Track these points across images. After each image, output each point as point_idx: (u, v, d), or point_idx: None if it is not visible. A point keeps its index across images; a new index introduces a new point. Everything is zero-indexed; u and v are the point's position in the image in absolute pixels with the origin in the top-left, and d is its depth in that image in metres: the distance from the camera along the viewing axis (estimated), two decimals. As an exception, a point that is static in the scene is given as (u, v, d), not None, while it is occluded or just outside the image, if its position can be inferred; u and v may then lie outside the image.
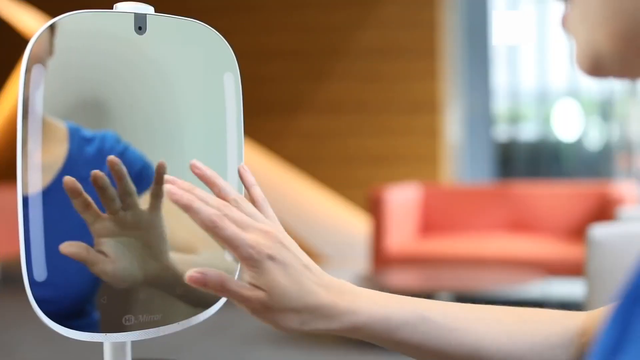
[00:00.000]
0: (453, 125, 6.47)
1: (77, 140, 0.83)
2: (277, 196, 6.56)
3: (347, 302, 0.77)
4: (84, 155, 0.83)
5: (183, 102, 0.89)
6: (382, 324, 0.78)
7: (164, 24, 0.87)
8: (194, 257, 0.90)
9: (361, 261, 5.86)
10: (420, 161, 6.30)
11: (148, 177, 0.86)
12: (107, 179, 0.83)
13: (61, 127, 0.82)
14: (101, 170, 0.84)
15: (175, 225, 0.86)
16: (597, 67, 0.47)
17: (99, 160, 0.84)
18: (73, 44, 0.82)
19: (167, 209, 0.86)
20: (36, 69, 0.79)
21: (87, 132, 0.83)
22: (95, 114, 0.84)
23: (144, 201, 0.86)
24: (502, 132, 7.75)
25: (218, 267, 0.92)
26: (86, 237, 0.83)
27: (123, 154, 0.85)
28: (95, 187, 0.82)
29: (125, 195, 0.83)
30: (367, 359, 3.91)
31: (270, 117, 6.49)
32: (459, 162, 6.57)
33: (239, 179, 0.92)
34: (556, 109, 7.82)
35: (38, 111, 0.80)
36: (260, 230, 0.76)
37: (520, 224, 5.23)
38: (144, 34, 0.85)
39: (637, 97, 7.62)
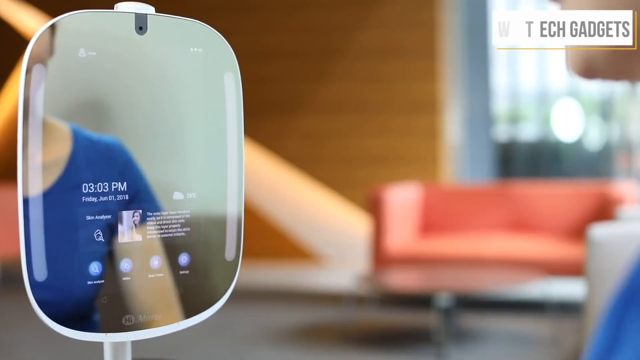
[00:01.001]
0: (453, 125, 6.47)
1: (81, 141, 0.83)
2: (277, 196, 6.56)
3: None
4: (87, 158, 0.83)
5: (183, 102, 0.89)
6: None
7: (164, 24, 0.87)
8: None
9: (361, 261, 5.86)
10: (420, 161, 6.30)
11: (141, 204, 0.86)
12: None
13: (63, 128, 0.82)
14: (102, 177, 0.84)
15: (140, 286, 0.87)
16: (590, 70, 0.47)
17: (102, 166, 0.84)
18: (74, 44, 0.82)
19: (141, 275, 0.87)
20: (37, 69, 0.79)
21: (92, 134, 0.84)
22: (96, 113, 0.84)
23: (136, 234, 0.86)
24: (502, 132, 7.75)
25: (220, 268, 0.92)
26: (86, 238, 0.83)
27: (125, 167, 0.85)
28: None
29: None
30: (367, 359, 3.91)
31: (270, 117, 6.49)
32: (459, 162, 6.57)
33: (239, 178, 0.92)
34: (556, 109, 7.82)
35: (39, 111, 0.80)
36: None
37: (520, 224, 5.23)
38: (145, 34, 0.85)
39: (637, 97, 7.63)
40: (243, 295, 5.10)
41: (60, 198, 0.81)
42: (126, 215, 0.85)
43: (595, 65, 0.46)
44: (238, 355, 4.00)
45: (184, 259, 0.89)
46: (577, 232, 4.94)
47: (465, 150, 6.70)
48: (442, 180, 6.26)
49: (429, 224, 5.37)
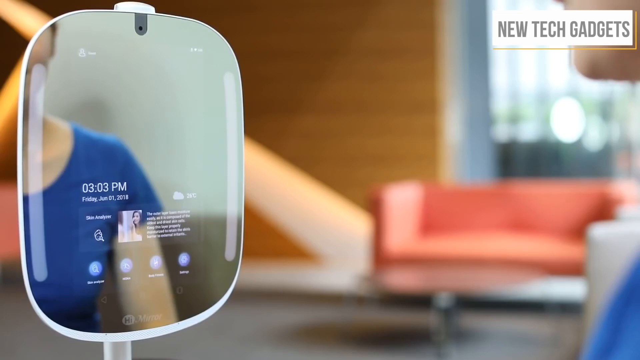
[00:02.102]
0: (453, 125, 6.47)
1: (82, 140, 0.83)
2: (277, 196, 6.56)
3: None
4: (88, 157, 0.83)
5: (184, 102, 0.89)
6: None
7: (164, 24, 0.87)
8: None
9: (361, 261, 5.86)
10: (420, 161, 6.30)
11: (141, 204, 0.86)
12: None
13: (64, 127, 0.82)
14: (103, 176, 0.84)
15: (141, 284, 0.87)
16: (594, 70, 0.47)
17: (102, 165, 0.84)
18: (74, 44, 0.82)
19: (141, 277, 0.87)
20: (37, 69, 0.79)
21: (93, 133, 0.84)
22: (96, 113, 0.84)
23: (136, 234, 0.86)
24: (502, 132, 7.75)
25: (220, 268, 0.92)
26: (87, 237, 0.83)
27: (125, 167, 0.85)
28: None
29: None
30: (367, 359, 3.91)
31: (270, 117, 6.49)
32: (459, 162, 6.57)
33: (239, 178, 0.92)
34: (556, 109, 7.82)
35: (39, 111, 0.80)
36: None
37: (520, 224, 5.23)
38: (145, 34, 0.85)
39: (637, 97, 7.63)
40: (243, 295, 5.10)
41: (60, 197, 0.81)
42: (126, 215, 0.85)
43: (600, 65, 0.46)
44: (238, 355, 4.00)
45: (184, 259, 0.89)
46: (577, 232, 4.95)
47: (465, 150, 6.70)
48: (442, 180, 6.26)
49: (429, 224, 5.37)
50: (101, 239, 0.84)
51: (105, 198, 0.84)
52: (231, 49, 0.91)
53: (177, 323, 0.88)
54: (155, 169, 0.87)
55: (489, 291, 3.93)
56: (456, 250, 4.81)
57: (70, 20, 0.81)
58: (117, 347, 0.86)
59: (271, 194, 6.53)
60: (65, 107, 0.82)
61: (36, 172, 0.80)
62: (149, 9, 0.86)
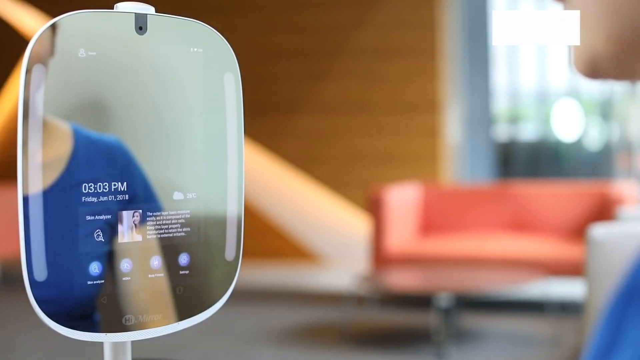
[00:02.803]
0: (453, 125, 6.47)
1: (82, 141, 0.83)
2: (277, 196, 6.56)
3: None
4: (88, 157, 0.83)
5: (183, 102, 0.89)
6: None
7: (164, 24, 0.87)
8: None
9: (361, 261, 5.86)
10: (420, 161, 6.30)
11: (141, 204, 0.86)
12: None
13: (64, 127, 0.82)
14: (103, 177, 0.84)
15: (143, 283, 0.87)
16: (594, 70, 0.47)
17: (102, 165, 0.84)
18: (74, 44, 0.82)
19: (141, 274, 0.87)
20: (37, 69, 0.79)
21: (93, 134, 0.84)
22: (96, 113, 0.84)
23: (136, 234, 0.86)
24: (502, 132, 7.75)
25: (220, 268, 0.92)
26: (87, 237, 0.83)
27: (125, 167, 0.85)
28: None
29: None
30: (367, 359, 3.91)
31: (270, 117, 6.49)
32: (459, 162, 6.57)
33: (239, 178, 0.92)
34: (556, 109, 7.82)
35: (39, 111, 0.80)
36: None
37: (520, 224, 5.23)
38: (145, 34, 0.85)
39: (637, 97, 7.63)
40: (243, 295, 5.10)
41: (60, 197, 0.81)
42: (126, 215, 0.85)
43: (600, 65, 0.46)
44: (238, 355, 4.00)
45: (184, 259, 0.89)
46: (577, 232, 4.95)
47: (465, 150, 6.70)
48: (442, 180, 6.26)
49: (429, 224, 5.37)
50: (101, 239, 0.84)
51: (105, 198, 0.84)
52: (231, 49, 0.91)
53: (177, 323, 0.88)
54: (155, 169, 0.87)
55: (489, 291, 3.93)
56: (456, 250, 4.80)
57: (70, 20, 0.81)
58: (117, 347, 0.87)
59: (271, 194, 6.53)
60: (65, 107, 0.82)
61: (36, 172, 0.80)
62: (149, 9, 0.86)
